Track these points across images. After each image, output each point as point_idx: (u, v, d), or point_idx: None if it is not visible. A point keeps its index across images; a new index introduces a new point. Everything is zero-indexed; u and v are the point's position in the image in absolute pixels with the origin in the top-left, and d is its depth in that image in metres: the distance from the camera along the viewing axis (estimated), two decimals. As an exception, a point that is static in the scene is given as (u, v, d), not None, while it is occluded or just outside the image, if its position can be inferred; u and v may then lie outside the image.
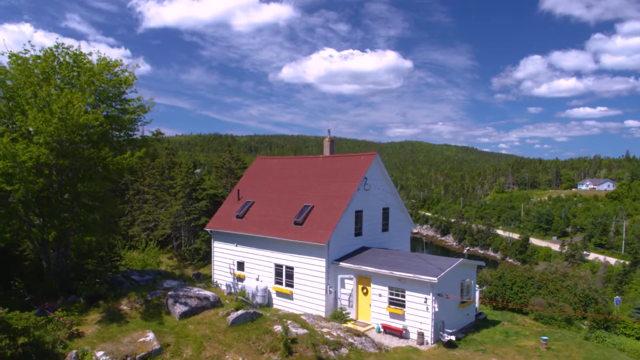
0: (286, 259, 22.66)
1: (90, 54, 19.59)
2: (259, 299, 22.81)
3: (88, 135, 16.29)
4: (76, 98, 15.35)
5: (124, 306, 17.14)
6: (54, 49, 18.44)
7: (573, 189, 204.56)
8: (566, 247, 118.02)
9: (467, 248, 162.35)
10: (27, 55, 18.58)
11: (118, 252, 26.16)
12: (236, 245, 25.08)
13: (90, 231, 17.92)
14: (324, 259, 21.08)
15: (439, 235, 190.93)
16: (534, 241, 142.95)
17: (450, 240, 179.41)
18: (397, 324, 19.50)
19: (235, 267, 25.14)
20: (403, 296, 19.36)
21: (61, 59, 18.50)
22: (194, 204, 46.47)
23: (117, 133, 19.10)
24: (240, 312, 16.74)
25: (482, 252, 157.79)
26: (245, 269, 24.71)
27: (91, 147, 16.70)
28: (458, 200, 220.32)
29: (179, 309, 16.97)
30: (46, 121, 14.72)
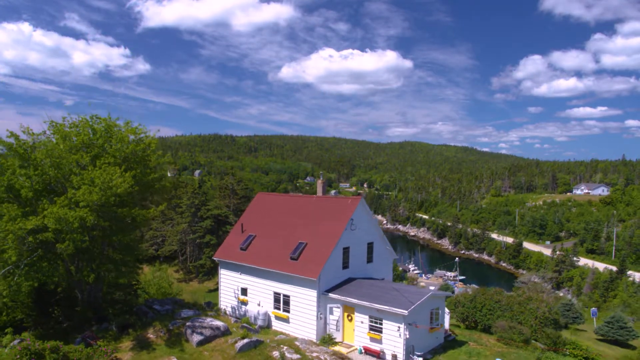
0: (283, 288, 26.44)
1: (118, 118, 23.42)
2: (260, 322, 26.61)
3: (120, 197, 20.01)
4: (115, 173, 19.13)
5: (151, 335, 20.96)
6: (89, 119, 22.23)
7: (568, 194, 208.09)
8: (557, 252, 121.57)
9: (462, 252, 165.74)
10: (65, 123, 22.38)
11: (137, 278, 29.82)
12: (240, 274, 28.86)
13: (121, 273, 21.73)
14: (315, 291, 24.85)
15: (435, 239, 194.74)
16: (528, 246, 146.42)
17: (446, 243, 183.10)
18: (375, 346, 23.30)
19: (240, 293, 28.93)
20: (381, 324, 23.16)
21: (95, 127, 22.27)
22: (199, 222, 50.26)
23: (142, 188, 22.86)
24: (245, 340, 20.55)
25: (477, 255, 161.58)
26: (248, 294, 28.48)
27: (123, 207, 20.46)
28: (455, 204, 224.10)
29: (196, 337, 20.79)
30: (90, 192, 18.48)
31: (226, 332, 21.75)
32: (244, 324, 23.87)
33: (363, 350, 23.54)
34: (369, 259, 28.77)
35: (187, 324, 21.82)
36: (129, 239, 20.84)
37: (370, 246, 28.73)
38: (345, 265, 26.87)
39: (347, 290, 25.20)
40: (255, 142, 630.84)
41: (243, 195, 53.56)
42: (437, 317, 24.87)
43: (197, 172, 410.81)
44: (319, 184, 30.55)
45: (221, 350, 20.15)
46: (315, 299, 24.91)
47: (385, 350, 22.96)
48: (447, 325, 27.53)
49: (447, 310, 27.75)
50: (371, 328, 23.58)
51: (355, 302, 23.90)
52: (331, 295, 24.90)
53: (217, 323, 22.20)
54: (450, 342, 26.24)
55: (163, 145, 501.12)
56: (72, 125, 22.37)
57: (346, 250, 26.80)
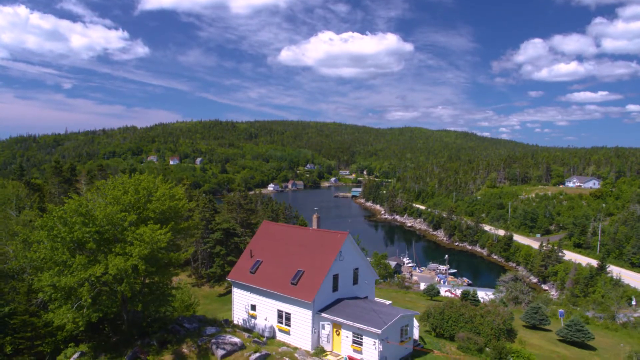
0: (285, 307, 32.91)
1: (154, 176, 29.55)
2: (266, 334, 33.20)
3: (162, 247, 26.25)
4: (158, 231, 25.35)
5: (185, 349, 27.45)
6: (135, 182, 28.40)
7: (561, 186, 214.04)
8: (544, 247, 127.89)
9: (456, 243, 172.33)
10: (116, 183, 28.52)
11: (172, 305, 35.71)
12: (250, 293, 35.34)
13: (160, 302, 28.17)
14: (311, 311, 31.32)
15: (431, 230, 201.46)
16: (518, 239, 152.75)
17: (441, 235, 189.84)
18: (357, 356, 29.85)
19: (249, 308, 35.46)
20: (361, 338, 29.68)
21: (139, 187, 28.41)
22: (210, 234, 56.64)
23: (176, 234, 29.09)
24: (257, 354, 27.09)
25: (470, 247, 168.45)
26: (257, 310, 35.00)
27: (163, 253, 26.73)
28: (451, 195, 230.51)
29: (220, 352, 27.29)
30: (141, 247, 24.72)
31: (242, 347, 28.23)
32: (255, 339, 30.41)
33: (348, 359, 30.10)
34: (355, 282, 35.19)
35: (212, 340, 28.31)
36: (167, 278, 27.11)
37: (355, 271, 35.13)
38: (335, 289, 33.30)
39: (336, 310, 31.67)
40: (255, 128, 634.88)
41: (249, 209, 59.78)
42: (406, 332, 31.39)
43: (198, 160, 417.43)
44: (314, 218, 36.83)
45: (239, 363, 26.70)
46: (310, 318, 31.38)
47: (364, 359, 29.51)
48: (416, 336, 34.06)
49: (416, 323, 34.25)
50: (354, 341, 30.10)
51: (342, 321, 30.39)
52: (323, 314, 31.39)
53: (235, 339, 28.70)
54: (418, 351, 32.77)
55: (164, 132, 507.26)
56: (118, 184, 28.56)
57: (336, 277, 33.20)
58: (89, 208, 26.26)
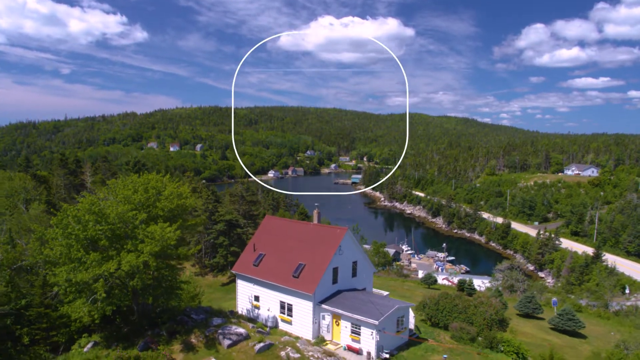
0: (287, 298, 34.53)
1: (160, 174, 30.89)
2: (269, 323, 34.89)
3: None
4: (168, 229, 26.82)
5: (193, 339, 29.10)
6: (145, 182, 29.75)
7: (559, 174, 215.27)
8: (541, 235, 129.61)
9: (454, 231, 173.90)
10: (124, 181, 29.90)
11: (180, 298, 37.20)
12: (254, 285, 36.96)
13: (170, 296, 29.80)
14: (312, 302, 32.94)
15: (430, 217, 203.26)
16: (516, 226, 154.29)
17: (440, 222, 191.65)
18: (356, 345, 31.55)
19: (253, 299, 37.11)
20: (359, 329, 31.34)
21: (148, 186, 29.77)
22: (213, 226, 58.18)
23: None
24: (261, 344, 28.75)
25: (468, 235, 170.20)
26: (260, 301, 36.65)
27: (173, 249, 28.23)
28: (450, 183, 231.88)
29: (226, 342, 28.94)
30: (152, 244, 26.20)
31: (247, 337, 29.92)
32: (259, 329, 32.10)
33: (346, 348, 31.84)
34: (354, 274, 36.79)
35: (219, 331, 29.98)
36: (176, 273, 28.68)
37: (354, 264, 36.69)
38: (335, 281, 34.90)
39: (335, 302, 33.30)
40: (255, 114, 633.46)
41: (250, 200, 61.24)
42: (402, 322, 33.06)
43: (198, 147, 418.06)
44: (315, 213, 38.31)
45: (245, 352, 28.33)
46: (311, 309, 33.03)
47: (362, 349, 31.23)
48: (411, 326, 35.74)
49: (412, 314, 35.91)
50: (352, 331, 31.79)
51: (341, 313, 32.04)
52: (323, 306, 33.03)
53: (240, 330, 30.37)
54: (414, 340, 34.48)
55: (164, 118, 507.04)
56: (128, 183, 29.93)
57: (335, 270, 34.78)
58: (101, 207, 27.64)
